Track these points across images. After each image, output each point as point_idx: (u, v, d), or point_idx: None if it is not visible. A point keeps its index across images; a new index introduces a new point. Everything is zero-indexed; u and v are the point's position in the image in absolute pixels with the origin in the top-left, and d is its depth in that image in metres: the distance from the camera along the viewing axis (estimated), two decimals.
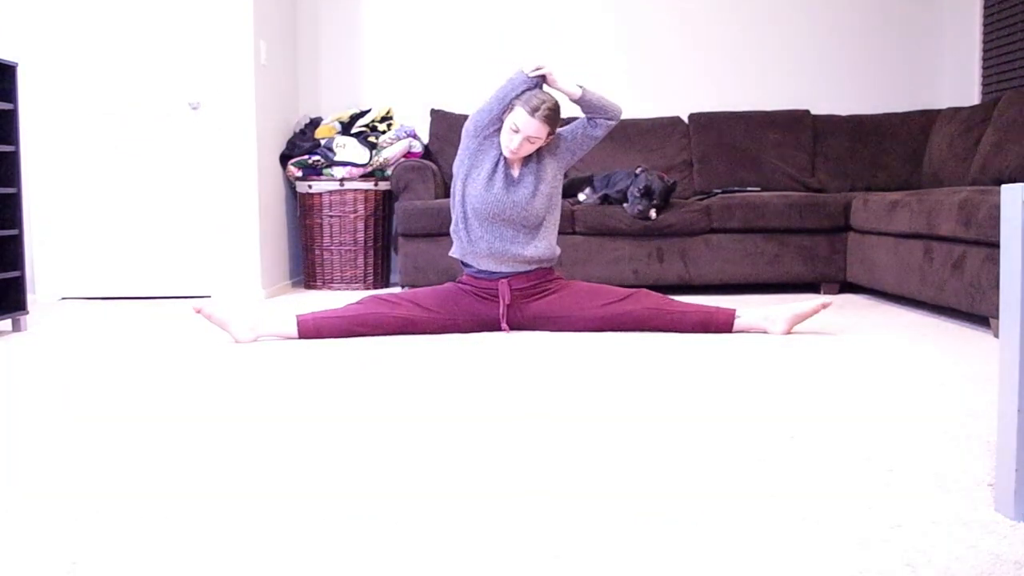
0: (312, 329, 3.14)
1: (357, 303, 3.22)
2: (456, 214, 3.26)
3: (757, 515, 1.38)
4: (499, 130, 3.20)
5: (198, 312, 3.06)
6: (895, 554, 1.22)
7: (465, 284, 3.29)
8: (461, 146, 3.26)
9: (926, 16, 5.57)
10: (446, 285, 3.31)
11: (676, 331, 3.21)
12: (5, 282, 3.52)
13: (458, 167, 3.26)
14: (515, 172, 3.23)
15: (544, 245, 3.24)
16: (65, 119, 4.75)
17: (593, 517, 1.38)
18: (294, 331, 3.13)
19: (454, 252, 3.30)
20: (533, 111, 3.09)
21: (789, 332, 3.18)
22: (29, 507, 1.45)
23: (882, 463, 1.64)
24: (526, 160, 3.24)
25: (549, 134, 3.16)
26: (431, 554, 1.24)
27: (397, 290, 5.01)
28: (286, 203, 5.34)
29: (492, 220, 3.19)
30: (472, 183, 3.21)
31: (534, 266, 3.24)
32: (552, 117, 3.12)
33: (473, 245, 3.22)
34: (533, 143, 3.14)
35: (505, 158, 3.21)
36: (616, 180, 4.64)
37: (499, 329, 3.27)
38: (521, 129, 3.09)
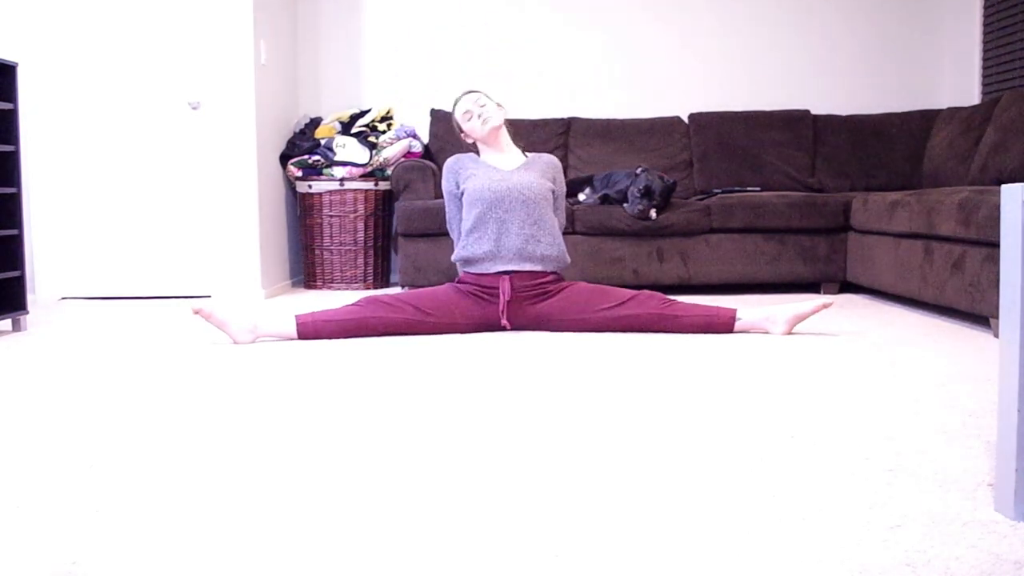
0: (311, 330, 3.14)
1: (356, 304, 3.22)
2: (461, 227, 3.37)
3: (757, 515, 1.38)
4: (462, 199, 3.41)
5: (197, 313, 3.06)
6: (895, 554, 1.22)
7: (464, 284, 3.29)
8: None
9: (926, 16, 5.57)
10: (444, 287, 3.30)
11: (677, 332, 3.21)
12: (5, 282, 3.52)
13: (457, 204, 3.47)
14: (505, 167, 3.41)
15: (549, 242, 3.29)
16: (65, 119, 4.75)
17: (593, 517, 1.38)
18: (293, 332, 3.13)
19: (456, 256, 3.34)
20: (462, 94, 3.46)
21: (790, 332, 3.18)
22: (29, 507, 1.45)
23: (882, 463, 1.64)
24: (513, 162, 3.45)
25: (487, 96, 3.43)
26: (431, 554, 1.24)
27: (397, 290, 5.01)
28: (286, 203, 5.34)
29: (496, 209, 3.26)
30: (471, 185, 3.33)
31: (540, 266, 3.26)
32: (473, 89, 3.49)
33: (478, 245, 3.26)
34: (486, 106, 3.38)
35: (490, 164, 3.42)
36: (616, 180, 4.64)
37: (499, 328, 3.27)
38: (469, 109, 3.38)
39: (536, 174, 3.37)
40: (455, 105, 3.45)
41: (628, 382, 2.39)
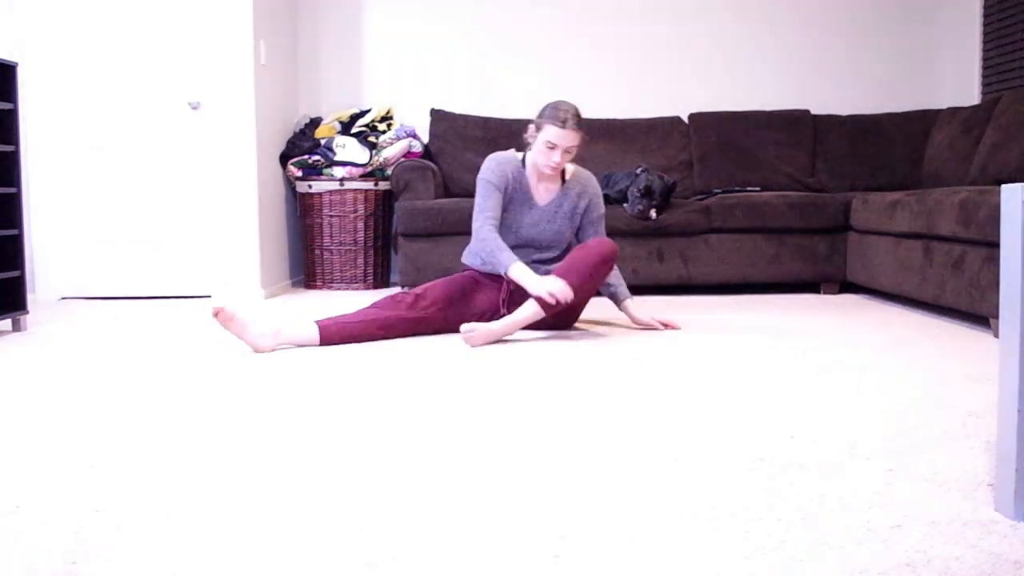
0: (335, 334, 3.04)
1: (372, 306, 3.18)
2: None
3: (757, 515, 1.38)
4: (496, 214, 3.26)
5: (216, 316, 2.84)
6: (895, 554, 1.23)
7: (470, 270, 3.37)
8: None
9: (926, 16, 5.57)
10: (454, 276, 3.33)
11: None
12: (5, 282, 3.52)
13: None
14: (540, 201, 3.33)
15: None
16: (65, 119, 4.75)
17: (593, 517, 1.38)
18: (316, 337, 3.02)
19: (467, 260, 3.37)
20: (563, 123, 3.13)
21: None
22: (29, 507, 1.45)
23: (881, 463, 1.64)
24: (553, 188, 3.35)
25: (582, 138, 3.20)
26: (432, 554, 1.24)
27: (397, 290, 5.01)
28: (286, 203, 5.34)
29: (516, 252, 3.26)
30: (505, 216, 3.30)
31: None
32: (581, 122, 3.19)
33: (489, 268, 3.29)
34: (570, 152, 3.18)
35: (528, 188, 3.31)
36: (616, 180, 4.65)
37: (499, 316, 3.25)
38: (558, 143, 3.14)
39: (565, 217, 3.33)
40: (550, 114, 3.16)
41: (628, 382, 2.39)
